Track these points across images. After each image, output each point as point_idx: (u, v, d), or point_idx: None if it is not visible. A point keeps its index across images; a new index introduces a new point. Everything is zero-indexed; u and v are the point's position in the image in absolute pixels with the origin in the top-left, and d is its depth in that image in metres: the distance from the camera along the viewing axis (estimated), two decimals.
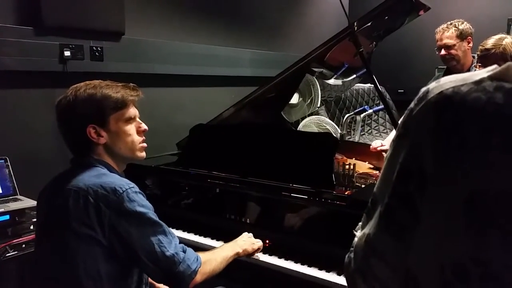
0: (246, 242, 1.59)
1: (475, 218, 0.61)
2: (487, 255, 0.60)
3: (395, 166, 0.68)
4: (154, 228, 1.23)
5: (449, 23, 2.62)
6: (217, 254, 1.42)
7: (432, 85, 0.67)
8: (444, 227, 0.63)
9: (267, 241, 1.70)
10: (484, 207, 0.60)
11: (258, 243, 1.63)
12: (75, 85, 1.31)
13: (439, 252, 0.65)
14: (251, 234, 1.65)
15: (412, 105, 0.68)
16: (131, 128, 1.34)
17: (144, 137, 1.39)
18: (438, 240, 0.65)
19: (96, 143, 1.29)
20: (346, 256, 0.80)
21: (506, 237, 0.59)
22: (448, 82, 0.65)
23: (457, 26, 2.58)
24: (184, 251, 1.27)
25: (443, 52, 2.60)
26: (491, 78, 0.63)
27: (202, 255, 1.34)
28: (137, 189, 1.25)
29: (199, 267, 1.29)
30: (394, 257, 0.71)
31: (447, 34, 2.58)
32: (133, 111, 1.34)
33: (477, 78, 0.63)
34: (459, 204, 0.61)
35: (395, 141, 0.70)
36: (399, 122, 0.71)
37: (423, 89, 0.68)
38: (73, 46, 2.31)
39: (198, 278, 1.28)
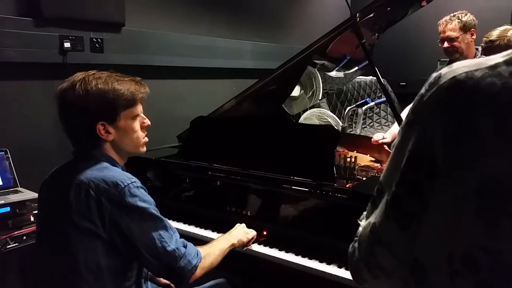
0: (240, 232, 1.59)
1: (486, 206, 0.59)
2: (498, 244, 0.59)
3: (404, 153, 0.67)
4: (155, 223, 1.23)
5: (452, 15, 2.59)
6: (214, 247, 1.42)
7: (444, 70, 0.65)
8: (453, 216, 0.62)
9: (264, 232, 1.70)
10: (496, 195, 0.58)
11: (252, 232, 1.63)
12: (80, 76, 1.27)
13: (447, 241, 0.64)
14: (243, 225, 1.64)
15: (422, 90, 0.66)
16: (137, 125, 1.34)
17: (146, 132, 1.39)
18: (447, 229, 0.63)
19: (103, 139, 1.28)
20: (350, 245, 0.80)
21: None
22: (461, 67, 0.63)
23: (460, 18, 2.55)
24: (185, 246, 1.27)
25: (446, 44, 2.58)
26: (506, 63, 0.60)
27: (201, 249, 1.34)
28: (139, 183, 1.24)
29: (200, 262, 1.29)
30: (400, 246, 0.70)
31: (450, 26, 2.55)
32: (140, 108, 1.35)
33: (492, 63, 0.61)
34: (470, 193, 0.60)
35: (404, 128, 0.69)
36: (406, 110, 0.69)
37: (435, 74, 0.65)
38: (73, 37, 2.29)
39: (198, 272, 1.28)
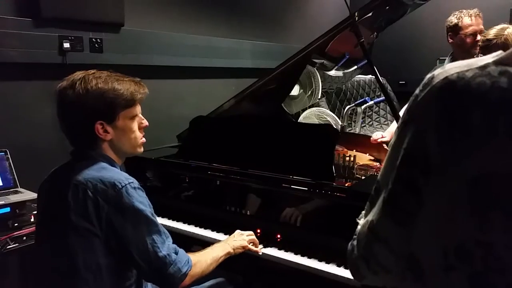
0: (237, 241, 1.57)
1: (479, 201, 0.62)
2: (490, 237, 0.62)
3: (399, 152, 0.69)
4: (149, 227, 1.23)
5: (468, 10, 2.46)
6: (207, 256, 1.41)
7: (437, 71, 0.68)
8: (447, 211, 0.65)
9: (259, 231, 1.69)
10: (488, 190, 0.61)
11: (250, 237, 1.61)
12: (80, 75, 1.27)
13: (442, 236, 0.66)
14: (243, 232, 1.63)
15: (417, 91, 0.69)
16: (135, 125, 1.34)
17: (144, 133, 1.40)
18: (441, 224, 0.66)
19: (102, 139, 1.28)
20: (349, 244, 0.82)
21: (508, 219, 0.61)
22: (453, 67, 0.66)
23: (478, 13, 2.44)
24: (176, 253, 1.27)
25: (478, 37, 2.36)
26: (495, 63, 0.63)
27: (193, 257, 1.33)
28: (136, 184, 1.24)
29: (189, 270, 1.28)
30: (397, 242, 0.72)
31: (480, 20, 2.43)
32: (138, 108, 1.35)
33: (482, 63, 0.64)
34: (463, 188, 0.62)
35: (399, 128, 0.71)
36: (404, 108, 0.71)
37: (428, 75, 0.68)
38: (72, 37, 2.29)
39: (187, 280, 1.28)
